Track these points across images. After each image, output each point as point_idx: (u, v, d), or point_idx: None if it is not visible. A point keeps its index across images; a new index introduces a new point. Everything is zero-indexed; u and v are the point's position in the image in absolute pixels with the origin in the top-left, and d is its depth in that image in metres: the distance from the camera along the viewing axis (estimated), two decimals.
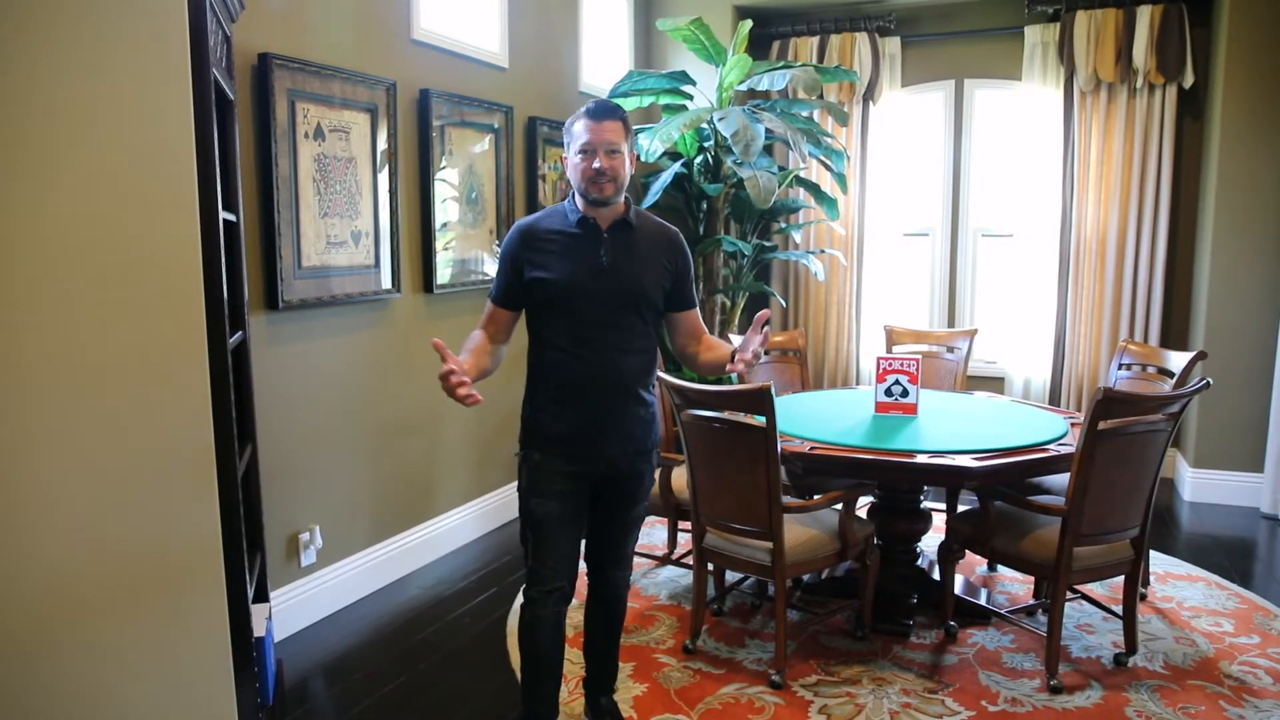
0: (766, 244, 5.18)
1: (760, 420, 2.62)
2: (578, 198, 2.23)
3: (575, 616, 3.06)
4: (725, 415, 2.73)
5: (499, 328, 2.31)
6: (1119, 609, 3.07)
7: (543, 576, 2.24)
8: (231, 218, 2.42)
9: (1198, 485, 4.68)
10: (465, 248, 4.01)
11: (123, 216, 1.71)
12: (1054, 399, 5.17)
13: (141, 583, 1.81)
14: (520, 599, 2.33)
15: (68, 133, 1.65)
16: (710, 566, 3.09)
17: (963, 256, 5.44)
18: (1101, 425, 2.52)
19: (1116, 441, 2.57)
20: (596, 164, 2.13)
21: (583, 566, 2.39)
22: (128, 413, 1.75)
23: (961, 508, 3.76)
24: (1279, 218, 4.40)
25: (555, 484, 2.22)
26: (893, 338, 4.30)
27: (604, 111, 2.17)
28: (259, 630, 2.44)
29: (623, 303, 2.20)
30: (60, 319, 1.67)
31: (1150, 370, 3.54)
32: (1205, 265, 4.61)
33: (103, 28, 1.66)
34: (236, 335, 2.46)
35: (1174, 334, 4.95)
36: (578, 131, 2.18)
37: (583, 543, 2.35)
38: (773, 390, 2.57)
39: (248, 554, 2.57)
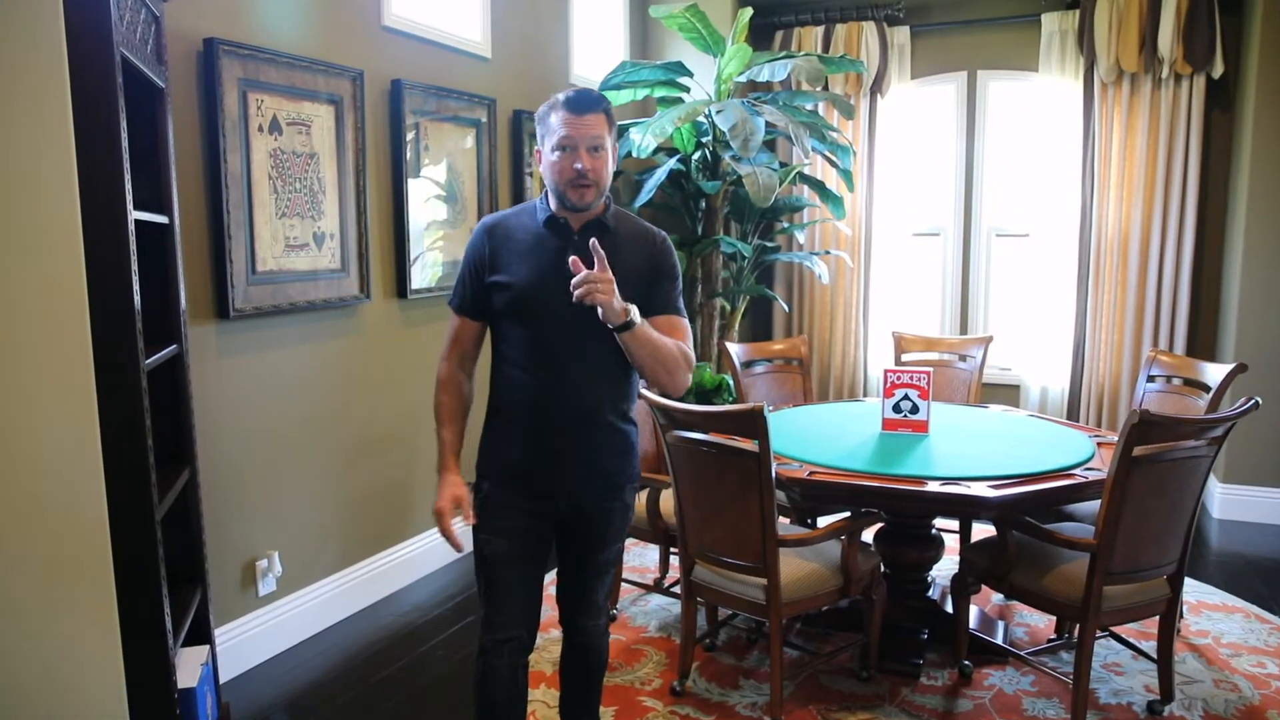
0: (768, 245, 4.91)
1: (753, 444, 2.35)
2: (551, 198, 1.96)
3: (553, 650, 2.81)
4: (714, 438, 2.46)
5: (467, 346, 2.05)
6: (1149, 646, 2.80)
7: (495, 624, 1.97)
8: (160, 219, 2.17)
9: (1227, 502, 4.39)
10: (444, 250, 3.75)
11: None
12: (1072, 410, 4.88)
13: (18, 642, 1.55)
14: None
15: None
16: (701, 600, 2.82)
17: (976, 258, 5.14)
18: (1137, 451, 2.24)
19: (1154, 469, 2.29)
20: (579, 165, 1.84)
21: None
22: None
23: (977, 529, 3.50)
24: None
25: (508, 520, 1.96)
26: (901, 345, 4.02)
27: (586, 102, 1.87)
28: (189, 679, 2.19)
29: (590, 317, 1.86)
30: None
31: (1176, 382, 3.26)
32: (1236, 268, 4.31)
33: None
34: (169, 349, 2.21)
35: (1201, 341, 4.65)
36: (554, 124, 1.89)
37: (544, 586, 2.08)
38: (766, 411, 2.30)
39: (183, 591, 2.33)
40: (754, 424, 2.30)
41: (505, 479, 1.97)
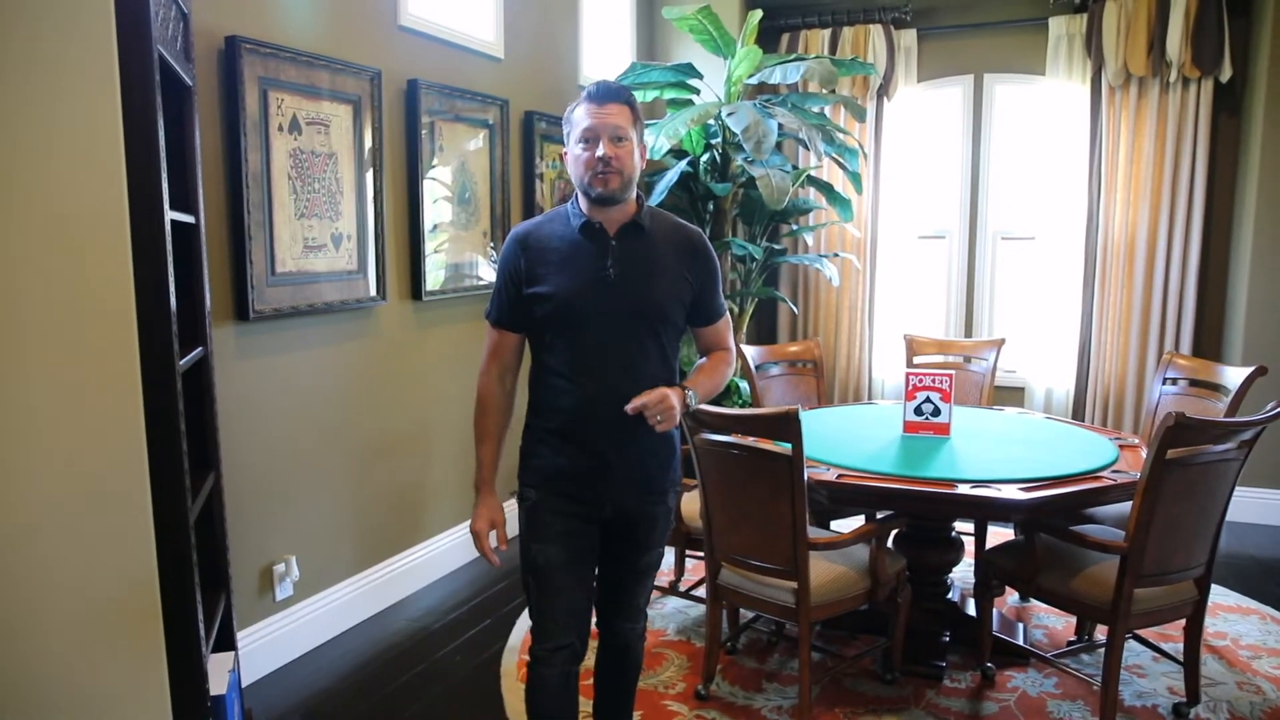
0: (775, 247, 4.91)
1: (785, 447, 2.34)
2: (580, 198, 1.93)
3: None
4: (745, 441, 2.45)
5: (508, 359, 2.03)
6: (1170, 647, 2.81)
7: (548, 632, 1.96)
8: (188, 219, 2.14)
9: (1237, 504, 4.36)
10: (457, 251, 3.73)
11: (34, 220, 1.42)
12: (1077, 412, 4.90)
13: (62, 646, 1.52)
14: (525, 654, 2.04)
15: None
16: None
17: (981, 260, 5.16)
18: (1170, 454, 2.24)
19: (1186, 472, 2.29)
20: (600, 152, 1.83)
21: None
22: (44, 447, 1.47)
23: (992, 530, 3.50)
24: None
25: (556, 526, 1.95)
26: (914, 348, 4.02)
27: (608, 93, 1.86)
28: (219, 686, 2.15)
29: (634, 321, 1.90)
30: None
31: (1183, 384, 3.25)
32: (1243, 271, 4.34)
33: None
34: (195, 351, 2.17)
35: (1207, 344, 4.68)
36: (578, 117, 1.88)
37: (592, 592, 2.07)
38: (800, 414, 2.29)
39: (209, 597, 2.29)
40: (789, 427, 2.29)
41: (552, 487, 1.95)
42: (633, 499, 1.97)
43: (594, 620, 2.12)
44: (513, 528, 2.02)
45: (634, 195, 1.93)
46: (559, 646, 1.95)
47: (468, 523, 3.96)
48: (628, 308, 1.89)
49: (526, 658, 2.00)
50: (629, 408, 1.82)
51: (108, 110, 1.46)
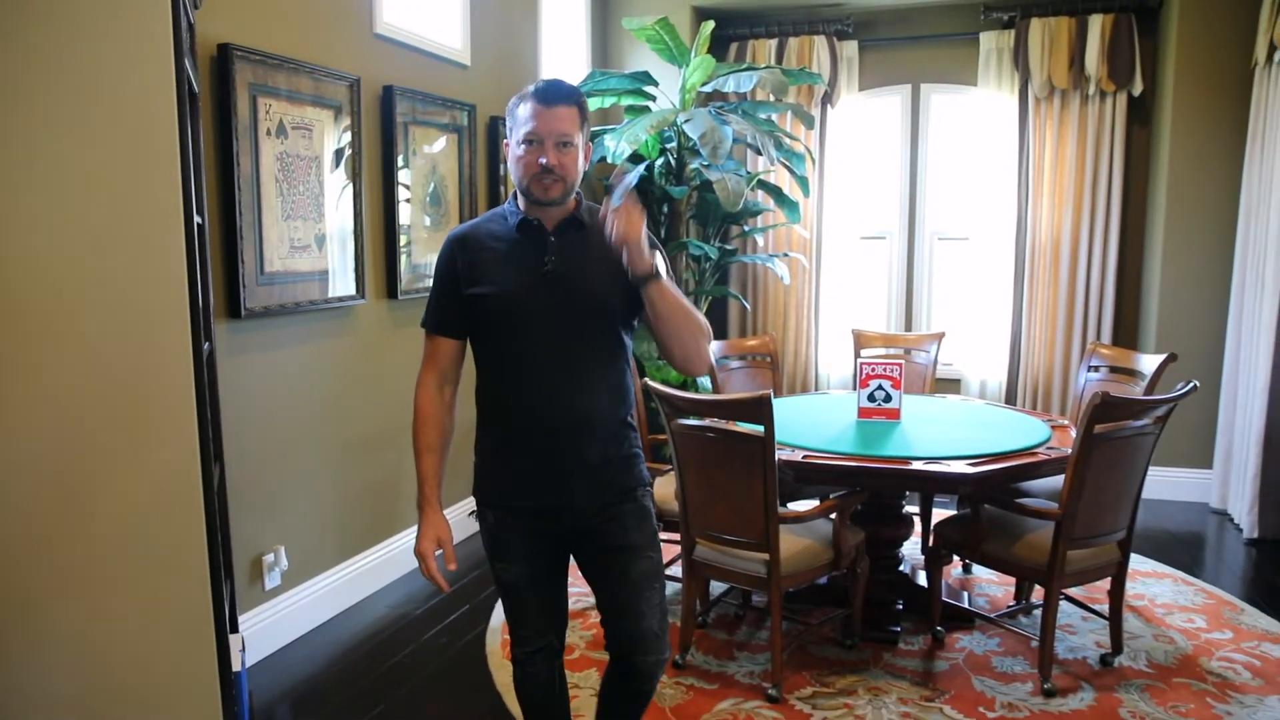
0: (728, 247, 5.14)
1: (757, 430, 2.55)
2: (519, 197, 1.85)
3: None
4: (720, 424, 2.66)
5: (446, 367, 1.91)
6: (1098, 608, 3.11)
7: (525, 638, 1.96)
8: (199, 220, 2.25)
9: (1149, 482, 4.77)
10: (429, 251, 3.86)
11: (105, 220, 1.55)
12: (1009, 400, 5.26)
13: (125, 627, 1.64)
14: (507, 634, 2.02)
15: (41, 124, 1.48)
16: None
17: (920, 259, 5.49)
18: (1097, 429, 2.53)
19: (1110, 445, 2.59)
20: (543, 159, 1.74)
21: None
22: (107, 437, 1.59)
23: (936, 510, 3.79)
24: (1226, 221, 4.55)
25: (518, 545, 1.89)
26: (861, 342, 4.30)
27: (556, 94, 1.75)
28: (234, 664, 2.27)
29: (577, 316, 1.80)
30: (40, 331, 1.51)
31: (1105, 371, 3.58)
32: (1156, 267, 4.75)
33: (80, 11, 1.50)
34: (204, 347, 2.28)
35: (1125, 334, 5.08)
36: (523, 115, 1.77)
37: (566, 589, 2.03)
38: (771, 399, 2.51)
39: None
40: (762, 410, 2.50)
41: (508, 504, 1.89)
42: (595, 505, 1.85)
43: (607, 644, 1.96)
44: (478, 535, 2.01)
45: (574, 196, 1.86)
46: (538, 649, 1.95)
47: (445, 511, 4.12)
48: (569, 302, 1.80)
49: (508, 637, 2.00)
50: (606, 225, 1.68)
51: (166, 118, 1.58)
